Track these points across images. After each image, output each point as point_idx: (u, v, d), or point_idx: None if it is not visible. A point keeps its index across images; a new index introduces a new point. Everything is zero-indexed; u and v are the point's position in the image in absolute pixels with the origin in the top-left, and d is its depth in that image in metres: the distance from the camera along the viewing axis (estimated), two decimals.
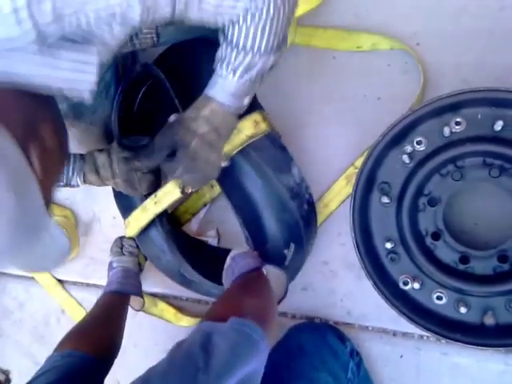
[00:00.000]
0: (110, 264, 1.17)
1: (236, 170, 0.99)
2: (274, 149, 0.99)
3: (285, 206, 0.99)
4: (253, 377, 0.68)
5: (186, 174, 0.89)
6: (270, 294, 0.85)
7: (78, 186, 1.03)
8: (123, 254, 1.15)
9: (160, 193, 1.02)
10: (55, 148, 0.59)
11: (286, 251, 1.00)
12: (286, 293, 0.94)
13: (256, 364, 0.68)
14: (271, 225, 1.01)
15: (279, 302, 0.92)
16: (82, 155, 1.01)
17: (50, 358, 0.89)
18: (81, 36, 0.58)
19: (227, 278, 0.95)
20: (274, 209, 1.00)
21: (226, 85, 0.81)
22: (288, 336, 1.04)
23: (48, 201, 0.58)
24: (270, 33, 0.74)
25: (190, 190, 1.00)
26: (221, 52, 0.80)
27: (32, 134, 0.55)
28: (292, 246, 1.00)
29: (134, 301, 1.16)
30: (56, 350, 0.92)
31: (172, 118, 0.90)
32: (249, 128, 0.94)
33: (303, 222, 1.00)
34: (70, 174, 0.99)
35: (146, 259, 1.21)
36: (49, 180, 0.58)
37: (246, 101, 0.86)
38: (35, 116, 0.57)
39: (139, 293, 1.16)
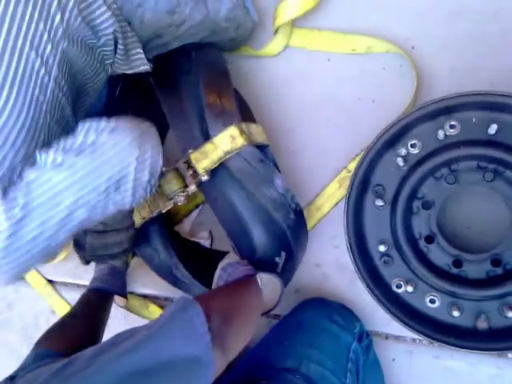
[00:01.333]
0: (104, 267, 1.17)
1: (217, 184, 0.97)
2: (253, 163, 0.96)
3: (270, 217, 0.96)
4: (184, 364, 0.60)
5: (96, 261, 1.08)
6: (249, 298, 0.83)
7: None
8: None
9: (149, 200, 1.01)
10: None
11: (277, 259, 0.98)
12: (280, 298, 0.93)
13: (185, 346, 0.61)
14: (259, 235, 0.98)
15: (273, 309, 0.91)
16: None
17: (27, 356, 0.87)
18: None
19: None
20: (260, 221, 0.97)
21: None
22: (292, 312, 1.04)
23: None
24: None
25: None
26: None
27: None
28: (283, 254, 0.99)
29: (118, 299, 1.15)
30: (34, 348, 0.90)
31: None
32: (225, 144, 0.93)
33: (291, 231, 0.98)
34: None
35: (133, 257, 1.20)
36: None
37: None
38: None
39: (124, 292, 1.16)
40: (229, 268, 0.92)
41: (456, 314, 0.87)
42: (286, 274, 1.02)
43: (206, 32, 0.98)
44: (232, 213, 0.98)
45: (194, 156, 0.94)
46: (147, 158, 0.76)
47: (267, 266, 0.96)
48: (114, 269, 1.14)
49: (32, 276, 1.39)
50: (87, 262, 1.02)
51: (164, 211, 0.99)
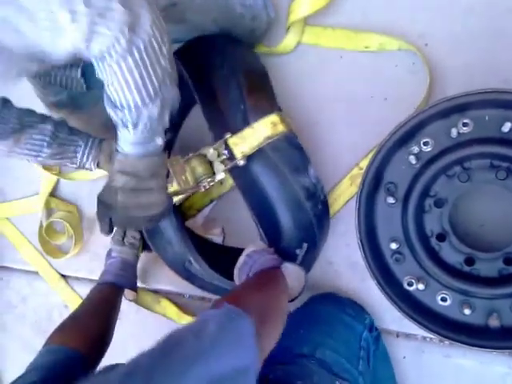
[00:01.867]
0: (109, 252, 1.17)
1: (253, 169, 1.00)
2: (291, 149, 1.00)
3: (300, 205, 0.99)
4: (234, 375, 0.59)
5: (128, 226, 0.94)
6: (280, 295, 0.84)
7: (92, 170, 1.02)
8: (124, 245, 1.15)
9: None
10: None
11: (298, 251, 1.00)
12: (303, 289, 0.94)
13: (237, 359, 0.60)
14: (286, 224, 1.01)
15: (295, 299, 0.92)
16: (100, 140, 1.00)
17: (39, 352, 0.87)
18: None
19: (242, 275, 0.93)
20: (290, 208, 1.00)
21: (126, 138, 0.81)
22: (306, 304, 1.05)
23: None
24: (137, 86, 0.73)
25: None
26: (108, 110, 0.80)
27: None
28: (305, 245, 1.01)
29: (128, 293, 1.16)
30: (46, 343, 0.91)
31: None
32: (266, 129, 0.95)
33: (317, 221, 1.01)
34: (85, 159, 0.97)
35: (142, 250, 1.20)
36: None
37: (159, 141, 0.85)
38: None
39: (134, 286, 1.17)
40: (255, 255, 0.93)
41: (467, 312, 0.87)
42: (304, 266, 1.03)
43: (219, 12, 0.98)
44: (263, 198, 1.01)
45: (232, 140, 0.96)
46: None
47: (287, 256, 0.97)
48: (126, 262, 1.15)
49: (45, 271, 1.41)
50: (110, 230, 0.94)
51: (187, 194, 1.02)
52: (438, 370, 1.06)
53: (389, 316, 1.07)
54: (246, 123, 0.96)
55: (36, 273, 1.42)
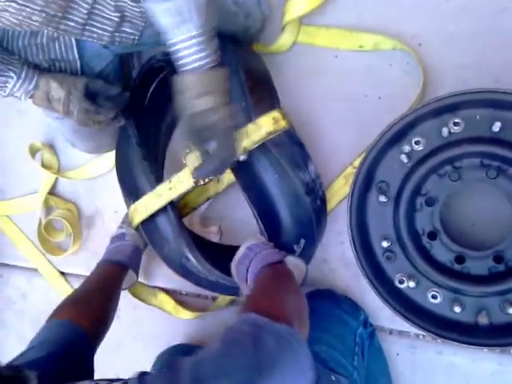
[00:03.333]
0: (122, 235, 1.17)
1: (254, 164, 1.02)
2: (292, 145, 1.01)
3: (300, 200, 1.01)
4: None
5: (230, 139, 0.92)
6: (300, 291, 0.85)
7: (20, 99, 0.99)
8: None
9: (175, 178, 1.03)
10: None
11: (295, 246, 1.02)
12: (304, 281, 0.96)
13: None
14: (286, 219, 1.03)
15: None
16: (36, 72, 0.96)
17: (44, 326, 0.88)
18: None
19: (241, 268, 0.93)
20: (289, 203, 1.02)
21: (180, 47, 0.81)
22: None
23: None
24: None
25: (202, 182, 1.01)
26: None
27: None
28: (302, 241, 1.02)
29: (130, 277, 1.16)
30: (52, 316, 0.92)
31: None
32: (268, 125, 0.97)
33: (315, 217, 1.02)
34: (16, 89, 0.95)
35: (146, 245, 1.21)
36: None
37: (214, 44, 0.84)
38: None
39: (138, 272, 1.18)
40: (255, 248, 0.94)
41: (457, 309, 0.88)
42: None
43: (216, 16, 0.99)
44: (264, 193, 1.03)
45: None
46: None
47: (286, 252, 0.98)
48: (138, 249, 1.16)
49: (45, 268, 1.42)
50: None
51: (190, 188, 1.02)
52: (430, 367, 1.07)
53: (382, 313, 1.08)
54: (248, 120, 0.98)
55: (35, 270, 1.44)
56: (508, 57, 1.00)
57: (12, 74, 0.93)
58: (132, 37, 0.98)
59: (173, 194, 1.03)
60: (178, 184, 1.02)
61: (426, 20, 1.07)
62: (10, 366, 0.59)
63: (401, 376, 1.09)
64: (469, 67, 1.03)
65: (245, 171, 1.03)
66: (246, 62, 1.05)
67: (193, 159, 0.96)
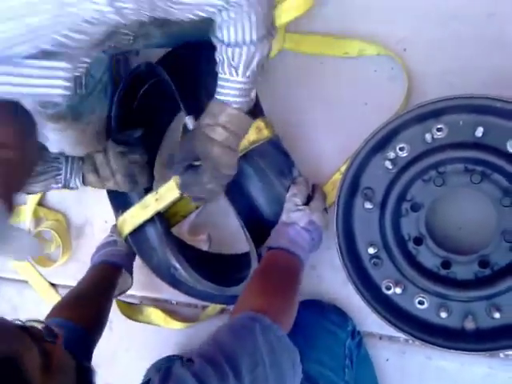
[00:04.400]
0: (114, 242, 1.17)
1: (238, 173, 1.01)
2: (276, 154, 1.03)
3: None
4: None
5: (212, 180, 0.91)
6: (296, 294, 0.89)
7: (76, 188, 1.03)
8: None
9: (162, 189, 1.03)
10: (18, 156, 0.61)
11: None
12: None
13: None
14: (272, 227, 1.02)
15: None
16: (80, 158, 1.02)
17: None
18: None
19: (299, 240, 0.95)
20: (275, 211, 1.02)
21: (233, 86, 0.84)
22: None
23: (10, 207, 0.61)
24: (258, 20, 0.76)
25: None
26: (218, 55, 0.82)
27: None
28: None
29: (124, 279, 1.17)
30: (49, 315, 0.94)
31: (188, 122, 0.94)
32: (251, 134, 0.97)
33: None
34: (68, 175, 0.99)
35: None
36: (10, 189, 0.60)
37: (253, 94, 0.88)
38: None
39: (132, 275, 1.19)
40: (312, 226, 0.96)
41: (444, 315, 0.88)
42: None
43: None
44: (249, 201, 1.04)
45: None
46: None
47: None
48: (130, 253, 1.17)
49: (35, 280, 1.42)
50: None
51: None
52: (420, 372, 1.07)
53: (371, 319, 1.07)
54: None
55: (26, 282, 1.43)
56: (494, 62, 1.00)
57: (61, 160, 0.99)
58: (127, 37, 0.98)
59: (159, 205, 1.04)
60: (164, 195, 1.02)
61: (411, 25, 1.07)
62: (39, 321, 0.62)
63: (391, 381, 1.08)
64: (454, 72, 1.03)
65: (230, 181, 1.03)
66: None
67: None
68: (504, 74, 0.99)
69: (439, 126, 0.88)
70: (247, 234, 1.03)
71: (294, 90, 1.17)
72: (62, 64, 0.60)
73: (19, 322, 0.56)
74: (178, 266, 1.08)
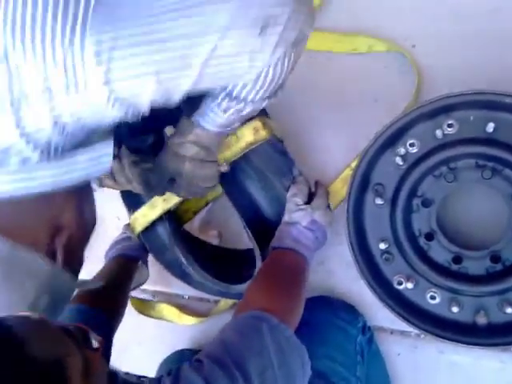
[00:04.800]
0: (128, 238, 1.18)
1: (238, 174, 1.02)
2: (274, 154, 1.01)
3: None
4: None
5: (189, 194, 0.94)
6: (303, 293, 0.88)
7: (94, 190, 1.04)
8: None
9: None
10: (79, 232, 0.65)
11: None
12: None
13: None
14: (274, 226, 1.02)
15: None
16: None
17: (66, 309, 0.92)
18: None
19: (301, 238, 0.93)
20: (276, 211, 1.02)
21: (216, 119, 0.81)
22: None
23: (76, 271, 0.66)
24: (271, 83, 0.72)
25: None
26: (215, 93, 0.76)
27: (55, 229, 0.61)
28: None
29: (140, 272, 1.20)
30: (72, 301, 0.94)
31: (167, 133, 0.93)
32: (248, 135, 0.96)
33: None
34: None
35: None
36: (75, 256, 0.65)
37: (237, 125, 0.86)
38: (57, 210, 0.61)
39: (148, 267, 1.21)
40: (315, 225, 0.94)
41: (456, 309, 0.88)
42: None
43: None
44: (250, 202, 1.03)
45: None
46: None
47: None
48: (145, 249, 1.18)
49: None
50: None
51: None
52: (432, 366, 1.07)
53: (382, 314, 1.08)
54: None
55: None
56: (502, 57, 1.00)
57: None
58: None
59: (167, 205, 1.05)
60: (171, 195, 1.03)
61: (420, 22, 1.07)
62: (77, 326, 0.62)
63: (402, 376, 1.09)
64: (463, 68, 1.03)
65: (230, 181, 1.02)
66: None
67: None
68: None
69: (450, 122, 0.88)
70: (250, 233, 1.03)
71: (303, 87, 1.17)
72: (110, 150, 0.64)
73: (61, 325, 0.57)
74: (185, 263, 1.09)
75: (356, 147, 1.10)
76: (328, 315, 1.02)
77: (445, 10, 1.05)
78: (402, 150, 0.92)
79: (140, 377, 0.68)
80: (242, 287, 1.04)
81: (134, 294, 1.26)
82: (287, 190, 1.00)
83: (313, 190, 1.01)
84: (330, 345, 0.96)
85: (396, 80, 1.09)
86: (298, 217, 0.94)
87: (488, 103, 0.85)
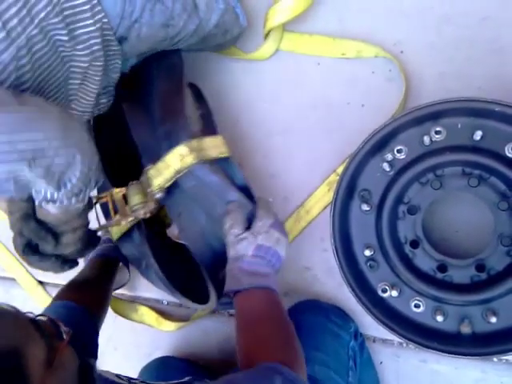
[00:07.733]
0: (108, 239, 1.16)
1: (175, 201, 0.95)
2: (205, 180, 0.92)
3: None
4: None
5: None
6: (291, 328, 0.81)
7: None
8: None
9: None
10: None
11: None
12: None
13: None
14: (220, 249, 0.93)
15: None
16: None
17: (52, 306, 0.92)
18: None
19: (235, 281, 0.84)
20: (218, 236, 0.93)
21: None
22: (288, 315, 1.03)
23: None
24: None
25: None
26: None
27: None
28: None
29: (122, 273, 1.19)
30: (56, 298, 0.95)
31: None
32: (175, 162, 0.90)
33: None
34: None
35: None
36: None
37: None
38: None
39: (129, 269, 1.21)
40: (270, 252, 0.85)
41: (440, 318, 0.87)
42: None
43: (195, 39, 0.98)
44: (193, 229, 0.96)
45: (151, 172, 0.91)
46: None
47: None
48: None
49: (22, 277, 1.39)
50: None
51: (124, 223, 0.96)
52: (414, 375, 1.06)
53: (365, 321, 1.07)
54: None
55: (13, 279, 1.41)
56: (490, 65, 1.00)
57: None
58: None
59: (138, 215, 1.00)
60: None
61: (408, 27, 1.07)
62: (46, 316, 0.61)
63: None
64: (451, 75, 1.03)
65: (170, 208, 0.97)
66: (161, 88, 1.00)
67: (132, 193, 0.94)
68: (500, 78, 1.00)
69: (438, 129, 0.88)
70: (199, 259, 0.97)
71: (290, 90, 1.16)
72: None
73: (31, 315, 0.56)
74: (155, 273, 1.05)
75: (342, 152, 1.09)
76: (321, 319, 1.00)
77: (434, 17, 1.04)
78: (389, 156, 0.91)
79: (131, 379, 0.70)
80: (201, 307, 1.00)
81: (114, 295, 1.24)
82: (223, 213, 0.91)
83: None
84: (324, 350, 0.94)
85: (383, 86, 1.09)
86: (241, 249, 0.84)
87: (476, 111, 0.85)
